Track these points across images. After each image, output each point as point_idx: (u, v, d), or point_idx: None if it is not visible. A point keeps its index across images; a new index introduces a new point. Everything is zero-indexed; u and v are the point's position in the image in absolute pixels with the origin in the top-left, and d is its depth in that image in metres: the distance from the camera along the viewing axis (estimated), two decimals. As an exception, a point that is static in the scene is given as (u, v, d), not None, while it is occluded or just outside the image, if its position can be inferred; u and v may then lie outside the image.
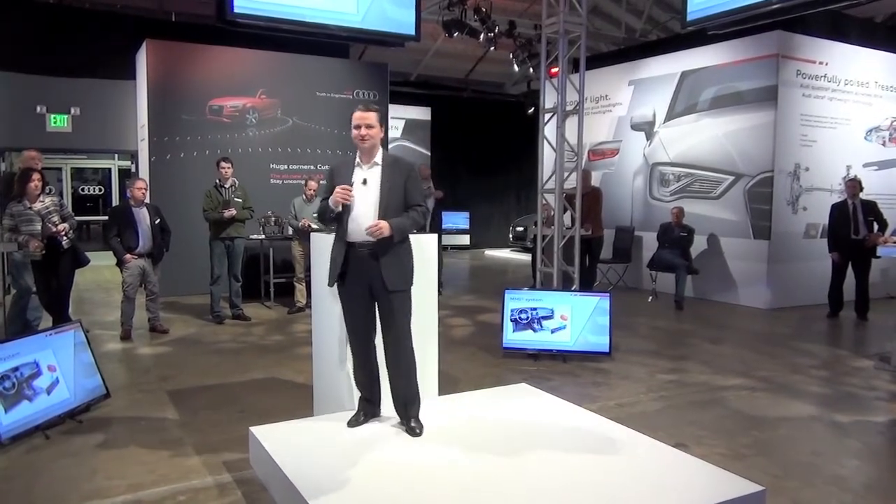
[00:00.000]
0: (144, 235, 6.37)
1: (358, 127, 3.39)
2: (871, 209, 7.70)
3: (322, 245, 3.96)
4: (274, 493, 3.14)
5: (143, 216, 6.38)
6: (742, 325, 7.54)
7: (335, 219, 3.43)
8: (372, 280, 3.39)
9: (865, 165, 9.09)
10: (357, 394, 3.67)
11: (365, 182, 3.39)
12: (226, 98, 9.11)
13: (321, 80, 9.68)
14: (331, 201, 3.35)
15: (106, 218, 10.68)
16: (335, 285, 3.49)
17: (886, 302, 7.53)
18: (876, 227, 7.61)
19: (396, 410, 3.58)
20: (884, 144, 9.36)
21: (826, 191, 8.74)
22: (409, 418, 3.53)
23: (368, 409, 3.62)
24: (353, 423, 3.55)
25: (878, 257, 7.23)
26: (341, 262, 3.40)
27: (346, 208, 3.35)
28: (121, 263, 6.34)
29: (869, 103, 9.13)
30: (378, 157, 3.44)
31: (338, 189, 3.31)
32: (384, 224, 3.28)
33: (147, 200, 6.58)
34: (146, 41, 8.91)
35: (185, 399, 4.64)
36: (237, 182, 7.26)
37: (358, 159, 3.47)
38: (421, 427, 3.51)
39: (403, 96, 14.26)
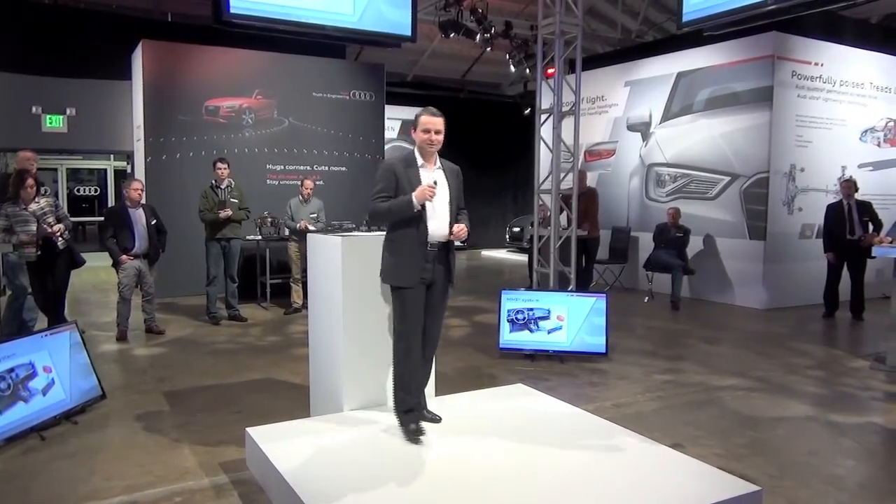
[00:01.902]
0: (140, 236, 6.35)
1: (428, 131, 3.39)
2: (866, 210, 7.74)
3: (319, 246, 3.96)
4: (271, 494, 3.14)
5: (138, 217, 6.37)
6: (738, 326, 7.55)
7: (406, 220, 3.38)
8: (437, 276, 3.48)
9: (861, 166, 9.12)
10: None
11: (435, 183, 3.41)
12: (222, 98, 9.10)
13: (318, 80, 9.68)
14: (416, 198, 3.29)
15: (102, 219, 10.64)
16: (396, 286, 3.44)
17: (882, 302, 7.54)
18: (871, 227, 7.64)
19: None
20: (879, 145, 9.39)
21: (821, 191, 8.77)
22: (425, 406, 3.66)
23: (419, 413, 3.57)
24: (418, 432, 3.44)
25: (874, 257, 7.24)
26: (426, 263, 3.40)
27: (422, 211, 3.36)
28: (117, 264, 6.33)
29: (864, 104, 9.16)
30: (437, 161, 3.53)
31: (426, 186, 3.29)
32: (466, 227, 3.47)
33: (143, 201, 6.57)
34: (142, 41, 8.88)
35: (182, 400, 4.64)
36: (233, 183, 7.26)
37: (421, 161, 3.46)
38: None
39: (400, 97, 14.23)
